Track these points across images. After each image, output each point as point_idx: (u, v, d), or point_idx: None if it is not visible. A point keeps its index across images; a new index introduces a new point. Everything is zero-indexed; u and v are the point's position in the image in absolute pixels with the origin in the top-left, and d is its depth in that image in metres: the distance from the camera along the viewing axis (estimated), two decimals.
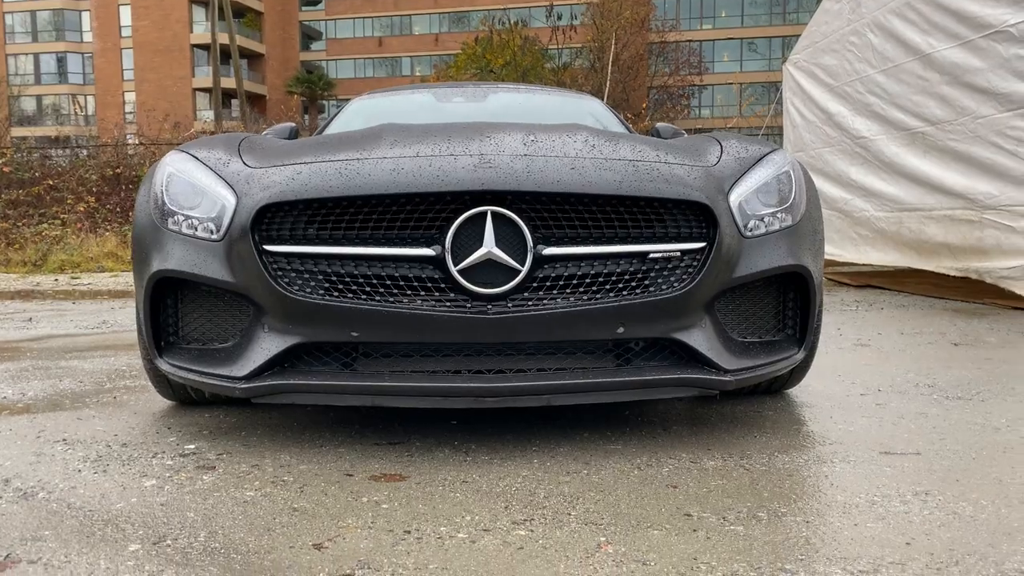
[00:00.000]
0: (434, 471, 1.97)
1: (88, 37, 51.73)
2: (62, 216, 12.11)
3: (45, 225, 11.88)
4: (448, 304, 1.97)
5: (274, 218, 2.04)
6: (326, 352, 2.09)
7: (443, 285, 1.98)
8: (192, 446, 2.19)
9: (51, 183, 12.80)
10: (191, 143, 2.57)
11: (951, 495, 1.78)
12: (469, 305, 1.97)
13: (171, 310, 2.27)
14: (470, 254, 1.96)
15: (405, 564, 1.45)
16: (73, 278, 8.90)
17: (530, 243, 1.97)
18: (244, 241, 2.03)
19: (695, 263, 2.07)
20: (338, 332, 2.03)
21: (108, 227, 12.09)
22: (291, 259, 2.03)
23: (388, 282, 2.00)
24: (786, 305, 2.35)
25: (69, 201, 12.40)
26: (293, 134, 4.20)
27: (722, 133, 2.74)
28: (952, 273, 6.06)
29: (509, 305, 1.97)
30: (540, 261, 1.99)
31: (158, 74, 46.82)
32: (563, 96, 4.29)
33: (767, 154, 2.41)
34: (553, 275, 2.01)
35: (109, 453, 2.13)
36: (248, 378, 2.04)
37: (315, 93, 46.46)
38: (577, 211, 2.02)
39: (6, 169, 12.57)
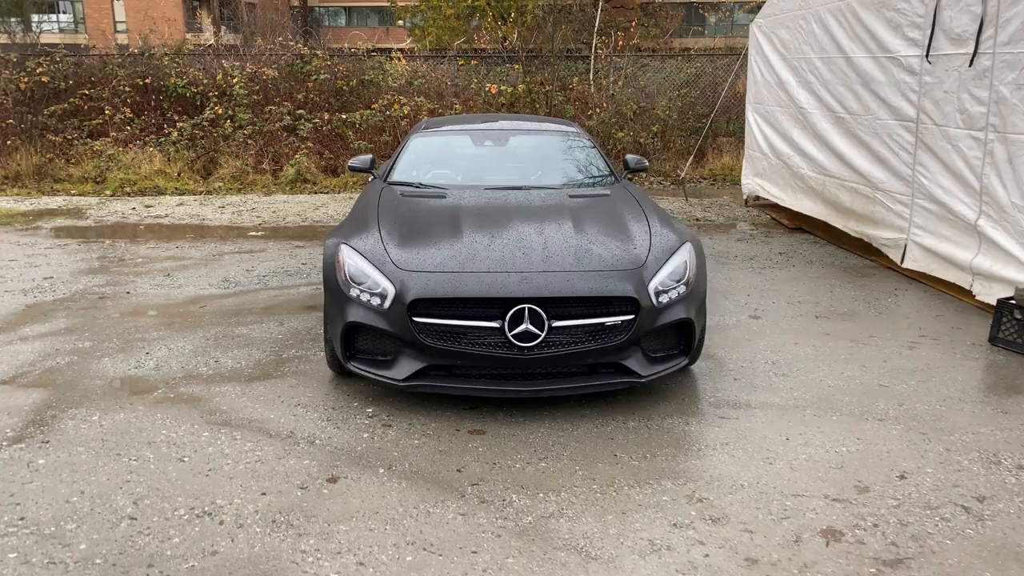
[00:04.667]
0: (498, 427, 4.03)
1: None
2: (112, 134, 12.93)
3: (98, 142, 12.88)
4: (504, 348, 3.98)
5: (417, 303, 4.01)
6: (441, 367, 4.12)
7: (503, 340, 3.98)
8: (370, 410, 4.24)
9: (86, 92, 13.16)
10: (349, 233, 4.51)
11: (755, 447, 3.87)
12: (515, 350, 3.97)
13: (352, 335, 4.27)
14: (516, 326, 3.95)
15: (509, 467, 3.54)
16: (147, 206, 10.63)
17: (546, 320, 3.95)
18: (401, 313, 4.01)
19: (629, 325, 4.07)
20: (450, 360, 4.06)
21: (146, 139, 12.92)
22: (426, 324, 4.01)
23: (475, 337, 4.00)
24: (679, 334, 4.36)
25: (107, 112, 13.00)
26: (372, 163, 6.03)
27: (656, 214, 4.68)
28: (854, 234, 8.03)
29: (534, 351, 3.98)
30: (551, 329, 3.97)
31: None
32: (559, 137, 6.15)
33: (679, 247, 4.37)
34: (556, 334, 4.01)
35: (344, 415, 4.19)
36: (404, 380, 4.08)
37: None
38: (569, 302, 4.00)
39: (45, 79, 12.98)
